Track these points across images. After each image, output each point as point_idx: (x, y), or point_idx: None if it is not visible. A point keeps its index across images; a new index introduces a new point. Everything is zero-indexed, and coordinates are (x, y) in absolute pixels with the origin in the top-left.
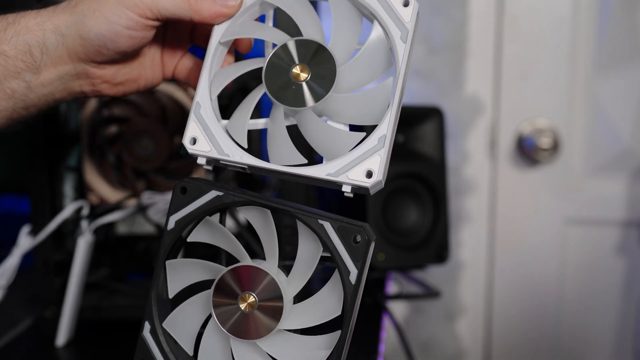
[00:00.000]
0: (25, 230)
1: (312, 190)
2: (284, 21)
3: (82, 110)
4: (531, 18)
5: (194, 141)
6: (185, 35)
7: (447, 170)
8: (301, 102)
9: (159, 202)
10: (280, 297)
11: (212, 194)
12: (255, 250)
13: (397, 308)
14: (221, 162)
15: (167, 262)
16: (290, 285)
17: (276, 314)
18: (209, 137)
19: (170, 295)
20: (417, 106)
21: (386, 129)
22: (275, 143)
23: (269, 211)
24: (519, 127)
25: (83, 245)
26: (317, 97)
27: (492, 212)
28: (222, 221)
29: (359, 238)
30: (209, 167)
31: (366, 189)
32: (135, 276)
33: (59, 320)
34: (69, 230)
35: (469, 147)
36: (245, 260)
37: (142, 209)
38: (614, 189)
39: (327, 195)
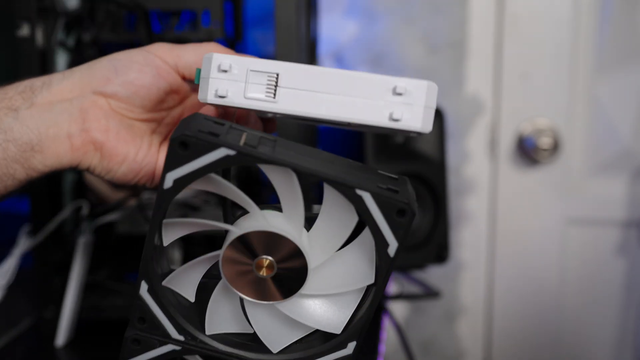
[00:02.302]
0: (25, 230)
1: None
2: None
3: None
4: (532, 18)
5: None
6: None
7: (447, 170)
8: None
9: None
10: (304, 266)
11: (222, 152)
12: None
13: (397, 308)
14: (250, 67)
15: (165, 222)
16: (314, 250)
17: (298, 280)
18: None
19: (165, 243)
20: None
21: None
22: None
23: (293, 173)
24: (519, 127)
25: (83, 245)
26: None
27: (493, 212)
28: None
29: (403, 213)
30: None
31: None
32: (136, 276)
33: (59, 320)
34: (69, 230)
35: (469, 147)
36: (258, 218)
37: (142, 209)
38: (615, 188)
39: None
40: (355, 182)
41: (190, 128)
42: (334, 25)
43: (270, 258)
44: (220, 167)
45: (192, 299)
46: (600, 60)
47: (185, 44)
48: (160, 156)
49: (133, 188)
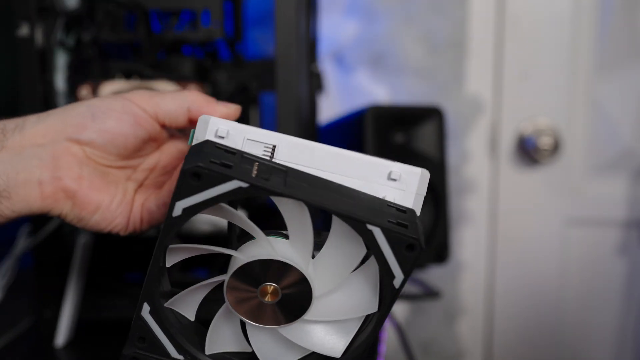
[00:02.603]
0: (25, 230)
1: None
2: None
3: None
4: (532, 17)
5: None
6: (164, 193)
7: (447, 170)
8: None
9: None
10: (309, 294)
11: (234, 184)
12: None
13: (398, 308)
14: (247, 136)
15: (170, 247)
16: (319, 280)
17: (302, 307)
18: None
19: (168, 265)
20: (417, 106)
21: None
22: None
23: (304, 205)
24: (520, 126)
25: (83, 245)
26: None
27: (493, 212)
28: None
29: (415, 248)
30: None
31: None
32: (135, 276)
33: (59, 320)
34: (69, 230)
35: (469, 147)
36: (264, 245)
37: None
38: (615, 188)
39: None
40: (365, 217)
41: (202, 158)
42: (334, 25)
43: (275, 285)
44: (232, 198)
45: (192, 318)
46: (600, 60)
47: (164, 92)
48: (135, 203)
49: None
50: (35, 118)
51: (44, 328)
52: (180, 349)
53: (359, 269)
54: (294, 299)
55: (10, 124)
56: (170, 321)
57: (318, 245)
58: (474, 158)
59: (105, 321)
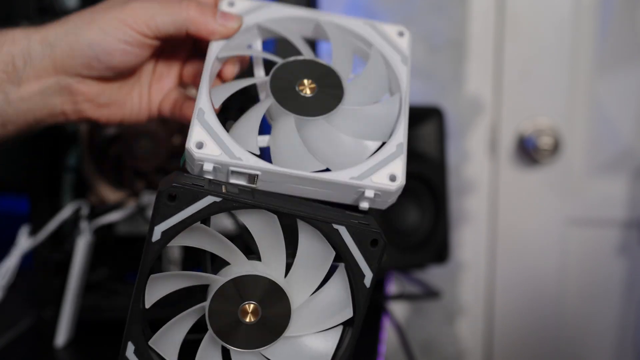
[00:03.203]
0: (24, 230)
1: None
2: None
3: None
4: (532, 17)
5: (201, 145)
6: (175, 68)
7: (447, 170)
8: (312, 113)
9: None
10: (288, 307)
11: (208, 200)
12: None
13: (397, 308)
14: (231, 168)
15: (152, 277)
16: (295, 291)
17: (282, 323)
18: (216, 141)
19: (147, 306)
20: (417, 106)
21: (402, 136)
22: (289, 153)
23: (275, 216)
24: (520, 126)
25: (83, 245)
26: (327, 109)
27: (493, 212)
28: (208, 222)
29: (375, 243)
30: (210, 177)
31: (389, 193)
32: (135, 276)
33: (59, 321)
34: (69, 230)
35: (469, 147)
36: (243, 264)
37: (142, 209)
38: (616, 188)
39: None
40: (331, 218)
41: (175, 182)
42: None
43: (254, 303)
44: (207, 215)
45: None
46: (600, 60)
47: (160, 4)
48: (153, 95)
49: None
50: (39, 49)
51: (44, 328)
52: None
53: (330, 280)
54: (274, 316)
55: (18, 59)
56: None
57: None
58: (474, 158)
59: (105, 321)
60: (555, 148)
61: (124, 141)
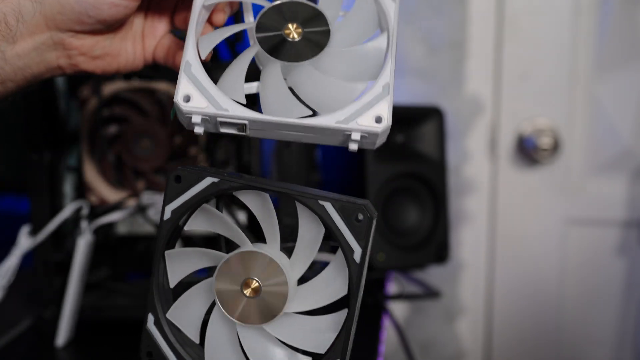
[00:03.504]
0: (25, 230)
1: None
2: None
3: (82, 110)
4: (531, 18)
5: (188, 98)
6: (166, 15)
7: (447, 170)
8: (298, 58)
9: (158, 202)
10: (284, 281)
11: (208, 180)
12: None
13: (397, 308)
14: (219, 119)
15: (166, 253)
16: (293, 267)
17: (281, 297)
18: (203, 93)
19: (172, 285)
20: (417, 106)
21: (389, 77)
22: (275, 100)
23: (267, 195)
24: (519, 127)
25: (83, 245)
26: (313, 52)
27: (493, 212)
28: (219, 207)
29: (360, 216)
30: (201, 131)
31: (376, 135)
32: (135, 276)
33: (59, 320)
34: (69, 230)
35: (469, 147)
36: (246, 245)
37: (142, 209)
38: (615, 189)
39: (326, 188)
40: (317, 195)
41: (181, 167)
42: None
43: (255, 279)
44: (209, 194)
45: (197, 341)
46: (600, 60)
47: None
48: (146, 42)
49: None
50: (29, 5)
51: (44, 328)
52: None
53: (330, 263)
54: (273, 292)
55: (10, 15)
56: (173, 333)
57: (292, 238)
58: (474, 158)
59: (105, 321)
60: (555, 148)
61: (124, 141)
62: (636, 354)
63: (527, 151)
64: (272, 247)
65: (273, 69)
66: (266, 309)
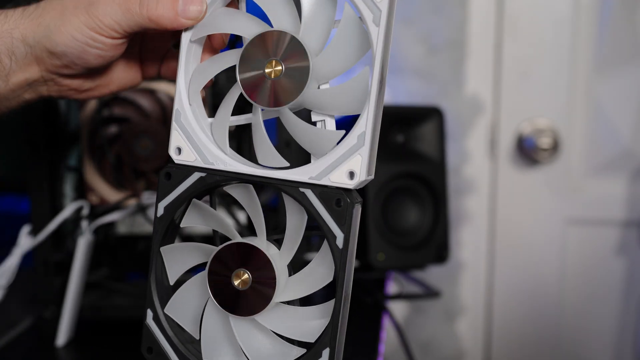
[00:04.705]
0: (25, 230)
1: None
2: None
3: (82, 110)
4: (531, 18)
5: (179, 151)
6: (164, 35)
7: (447, 170)
8: (277, 101)
9: None
10: (272, 270)
11: (195, 176)
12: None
13: (397, 308)
14: (206, 170)
15: (162, 249)
16: (281, 257)
17: (270, 287)
18: (192, 145)
19: (172, 282)
20: (417, 106)
21: (365, 125)
22: (256, 144)
23: (251, 186)
24: (519, 127)
25: (83, 245)
26: (291, 96)
27: (492, 212)
28: (212, 202)
29: (341, 202)
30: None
31: (349, 191)
32: (135, 276)
33: (59, 320)
34: (69, 230)
35: (469, 147)
36: (235, 238)
37: (142, 209)
38: (614, 189)
39: None
40: (298, 183)
41: (170, 164)
42: None
43: (244, 270)
44: (198, 189)
45: (197, 336)
46: (600, 60)
47: (121, 5)
48: (145, 64)
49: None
50: (21, 46)
51: (44, 328)
52: (182, 357)
53: (317, 254)
54: (263, 283)
55: (3, 54)
56: (172, 329)
57: (282, 229)
58: (474, 158)
59: (105, 321)
60: (555, 148)
61: (124, 141)
62: (636, 353)
63: (527, 151)
64: (260, 238)
65: (255, 113)
66: (257, 300)
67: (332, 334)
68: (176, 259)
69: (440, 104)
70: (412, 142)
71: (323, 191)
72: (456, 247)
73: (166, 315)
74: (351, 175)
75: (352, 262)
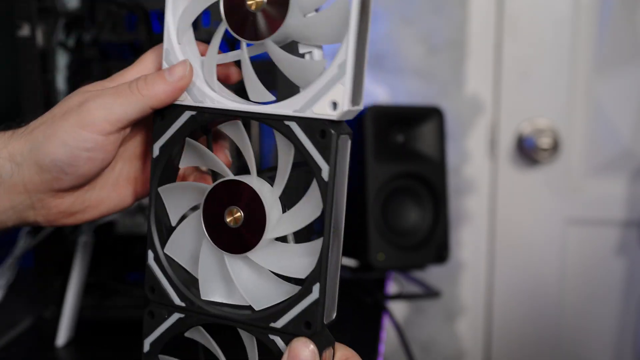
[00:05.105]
0: (25, 230)
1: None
2: None
3: None
4: (531, 18)
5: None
6: (143, 140)
7: (447, 170)
8: (260, 34)
9: None
10: (262, 206)
11: (186, 115)
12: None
13: (397, 308)
14: (196, 108)
15: (160, 189)
16: (272, 192)
17: (261, 223)
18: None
19: (173, 223)
20: (417, 106)
21: (345, 53)
22: (245, 81)
23: (239, 122)
24: (519, 127)
25: (83, 245)
26: (274, 27)
27: (492, 212)
28: (209, 142)
29: (325, 133)
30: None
31: (336, 123)
32: (135, 276)
33: (59, 320)
34: (69, 230)
35: (469, 147)
36: (228, 176)
37: (142, 209)
38: (614, 189)
39: None
40: (283, 116)
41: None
42: None
43: (237, 207)
44: (190, 128)
45: (197, 274)
46: (600, 60)
47: (113, 95)
48: (137, 182)
49: None
50: (8, 166)
51: (44, 328)
52: (182, 297)
53: (306, 194)
54: (254, 219)
55: None
56: (171, 268)
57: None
58: (474, 158)
59: (105, 321)
60: (555, 148)
61: None
62: (636, 353)
63: (527, 151)
64: (252, 175)
65: (242, 47)
66: (249, 237)
67: (322, 268)
68: (175, 199)
69: (440, 104)
70: (412, 142)
71: (307, 123)
72: (456, 247)
73: (166, 255)
74: (334, 105)
75: (343, 196)
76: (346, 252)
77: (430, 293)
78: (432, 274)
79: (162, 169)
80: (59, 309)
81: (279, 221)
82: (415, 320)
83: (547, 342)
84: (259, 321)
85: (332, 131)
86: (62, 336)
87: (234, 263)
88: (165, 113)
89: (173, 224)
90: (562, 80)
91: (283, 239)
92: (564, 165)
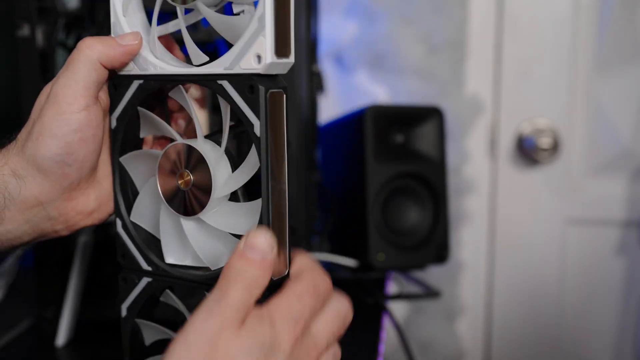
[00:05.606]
0: None
1: (312, 192)
2: None
3: None
4: (531, 18)
5: None
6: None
7: (447, 170)
8: None
9: None
10: (206, 166)
11: (135, 84)
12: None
13: (397, 308)
14: (142, 77)
15: (121, 159)
16: (216, 153)
17: (207, 183)
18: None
19: (140, 189)
20: (417, 106)
21: (263, 6)
22: (186, 45)
23: (181, 87)
24: (519, 127)
25: (83, 245)
26: None
27: (492, 212)
28: (165, 110)
29: (252, 88)
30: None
31: (266, 77)
32: None
33: (59, 320)
34: None
35: (469, 147)
36: (178, 140)
37: None
38: (614, 189)
39: (327, 196)
40: (218, 75)
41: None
42: (333, 26)
43: (187, 171)
44: (140, 97)
45: (150, 228)
46: (600, 60)
47: (74, 64)
48: None
49: None
50: (14, 182)
51: (44, 328)
52: (148, 261)
53: (248, 155)
54: (201, 181)
55: None
56: (137, 234)
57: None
58: (474, 158)
59: (105, 321)
60: (555, 148)
61: None
62: (636, 353)
63: (527, 151)
64: (198, 138)
65: (180, 17)
66: (199, 198)
67: (263, 222)
68: (137, 167)
69: (440, 104)
70: (412, 142)
71: (237, 80)
72: (456, 247)
73: (132, 222)
74: (258, 58)
75: (283, 150)
76: (346, 252)
77: (430, 293)
78: (432, 274)
79: (123, 139)
80: (59, 309)
81: (229, 180)
82: (415, 320)
83: (547, 342)
84: (215, 280)
85: (260, 86)
86: (62, 336)
87: (189, 225)
88: (117, 84)
89: (139, 190)
90: (562, 80)
91: (236, 200)
92: (564, 165)
